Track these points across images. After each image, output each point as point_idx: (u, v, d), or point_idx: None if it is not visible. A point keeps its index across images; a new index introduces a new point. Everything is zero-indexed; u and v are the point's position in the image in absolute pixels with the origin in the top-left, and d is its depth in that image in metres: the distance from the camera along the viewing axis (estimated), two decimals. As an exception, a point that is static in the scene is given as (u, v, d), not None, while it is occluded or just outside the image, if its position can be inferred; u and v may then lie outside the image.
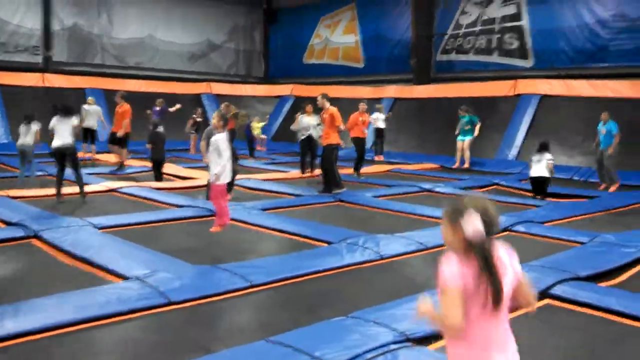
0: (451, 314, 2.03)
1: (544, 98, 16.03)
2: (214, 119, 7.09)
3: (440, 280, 2.08)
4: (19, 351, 3.73)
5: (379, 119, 16.38)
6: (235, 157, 9.41)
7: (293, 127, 12.79)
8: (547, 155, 10.43)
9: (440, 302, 2.08)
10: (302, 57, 24.80)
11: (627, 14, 15.87)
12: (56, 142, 8.86)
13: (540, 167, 10.42)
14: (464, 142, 14.85)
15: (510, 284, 2.12)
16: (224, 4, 24.40)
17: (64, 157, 8.81)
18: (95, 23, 20.89)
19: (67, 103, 10.27)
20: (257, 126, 17.97)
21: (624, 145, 11.68)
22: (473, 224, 2.06)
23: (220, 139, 6.76)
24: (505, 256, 2.14)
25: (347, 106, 14.27)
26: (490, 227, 2.08)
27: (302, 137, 12.14)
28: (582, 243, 6.68)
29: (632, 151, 12.24)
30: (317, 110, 11.12)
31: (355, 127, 12.27)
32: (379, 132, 16.67)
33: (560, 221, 8.23)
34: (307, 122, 12.01)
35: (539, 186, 10.51)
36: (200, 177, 11.17)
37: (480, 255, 2.06)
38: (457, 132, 15.08)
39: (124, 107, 12.88)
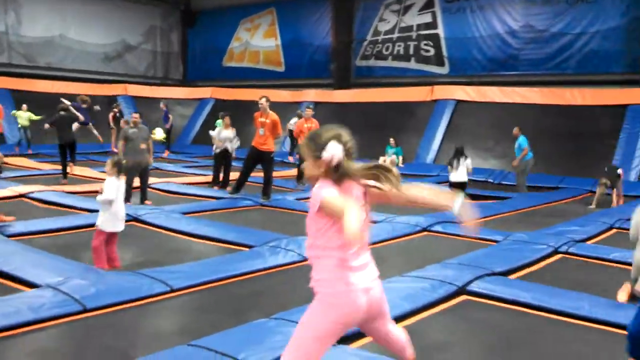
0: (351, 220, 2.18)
1: (459, 103, 16.60)
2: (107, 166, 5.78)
3: (320, 198, 2.36)
4: None
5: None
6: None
7: (213, 132, 12.04)
8: (467, 161, 10.75)
9: (332, 209, 2.33)
10: (221, 60, 24.56)
11: (534, 26, 16.76)
12: None
13: (460, 172, 10.72)
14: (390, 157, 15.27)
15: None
16: (139, 4, 23.80)
17: None
18: (1, 19, 19.81)
19: None
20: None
21: (533, 149, 12.24)
22: (334, 152, 2.45)
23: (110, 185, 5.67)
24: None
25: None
26: (347, 150, 2.51)
27: (217, 151, 11.47)
28: (496, 241, 6.94)
29: (539, 155, 12.85)
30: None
31: (302, 135, 11.94)
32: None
33: (476, 221, 8.52)
34: (224, 136, 11.39)
35: (460, 190, 10.82)
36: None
37: (343, 171, 2.48)
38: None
39: None
